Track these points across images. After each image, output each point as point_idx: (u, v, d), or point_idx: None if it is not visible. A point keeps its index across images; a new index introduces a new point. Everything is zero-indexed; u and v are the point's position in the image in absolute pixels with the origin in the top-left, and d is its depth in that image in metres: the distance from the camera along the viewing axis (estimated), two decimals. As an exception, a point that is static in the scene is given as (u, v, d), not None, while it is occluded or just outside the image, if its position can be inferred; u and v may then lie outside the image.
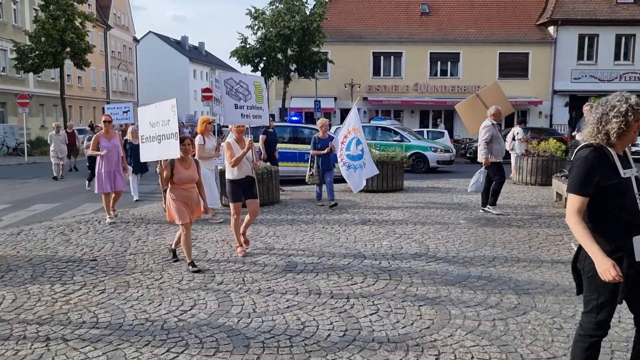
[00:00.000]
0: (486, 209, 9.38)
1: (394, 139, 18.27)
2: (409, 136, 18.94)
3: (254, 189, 6.75)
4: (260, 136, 11.88)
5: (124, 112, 16.30)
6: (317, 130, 11.85)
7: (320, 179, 10.43)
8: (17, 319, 4.58)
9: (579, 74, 33.02)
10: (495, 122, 9.22)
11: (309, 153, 11.18)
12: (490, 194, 9.35)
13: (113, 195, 9.05)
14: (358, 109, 11.27)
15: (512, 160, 14.05)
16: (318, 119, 31.25)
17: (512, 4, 34.78)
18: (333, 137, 11.07)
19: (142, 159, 6.78)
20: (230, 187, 6.68)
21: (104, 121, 9.29)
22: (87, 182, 13.61)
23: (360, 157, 10.47)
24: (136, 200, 11.42)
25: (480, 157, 9.28)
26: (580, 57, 33.07)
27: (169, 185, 6.08)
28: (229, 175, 6.67)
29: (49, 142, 16.28)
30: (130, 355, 3.90)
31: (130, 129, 11.34)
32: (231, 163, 6.46)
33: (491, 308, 4.79)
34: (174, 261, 6.38)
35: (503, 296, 5.10)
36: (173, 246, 6.52)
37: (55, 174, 16.05)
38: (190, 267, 5.99)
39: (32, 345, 4.08)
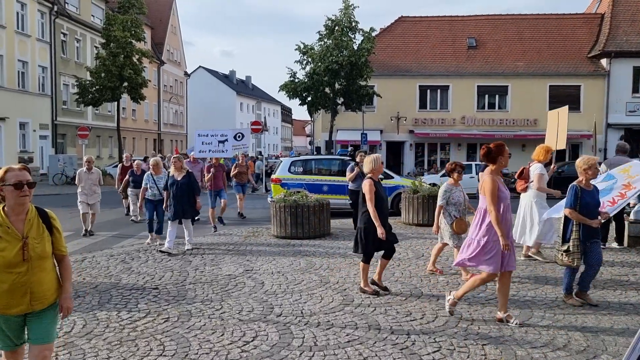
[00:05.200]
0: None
1: None
2: None
3: None
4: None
5: (219, 141, 11.83)
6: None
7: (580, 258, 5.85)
8: (88, 345, 4.76)
9: (634, 107, 32.06)
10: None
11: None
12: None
13: None
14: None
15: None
16: (365, 152, 31.25)
17: (562, 37, 34.32)
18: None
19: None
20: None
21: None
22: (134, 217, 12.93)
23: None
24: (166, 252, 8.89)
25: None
26: (635, 89, 32.14)
27: None
28: None
29: (76, 182, 11.64)
30: (198, 385, 3.98)
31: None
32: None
33: (559, 350, 4.64)
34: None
35: (570, 338, 4.94)
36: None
37: (85, 228, 11.53)
38: None
39: (104, 370, 4.22)
